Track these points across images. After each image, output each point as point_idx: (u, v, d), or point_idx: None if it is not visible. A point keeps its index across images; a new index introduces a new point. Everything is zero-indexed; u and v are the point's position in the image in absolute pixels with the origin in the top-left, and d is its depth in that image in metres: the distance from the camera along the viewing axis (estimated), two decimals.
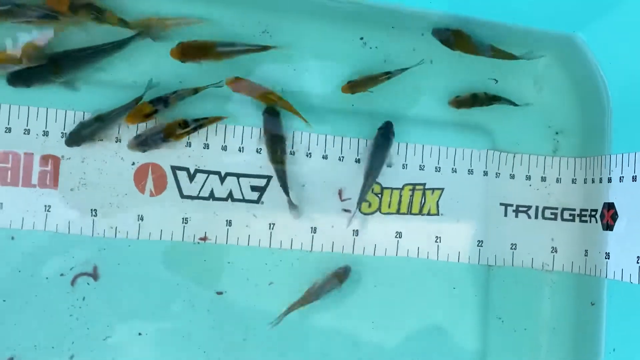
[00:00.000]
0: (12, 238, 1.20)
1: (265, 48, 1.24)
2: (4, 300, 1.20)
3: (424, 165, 1.30)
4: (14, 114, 1.20)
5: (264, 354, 1.27)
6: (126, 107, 1.20)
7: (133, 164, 1.23)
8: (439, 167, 1.31)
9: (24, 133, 1.20)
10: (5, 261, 1.20)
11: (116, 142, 1.22)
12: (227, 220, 1.25)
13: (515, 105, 1.32)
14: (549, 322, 1.35)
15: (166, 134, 1.21)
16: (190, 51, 1.20)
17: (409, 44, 1.33)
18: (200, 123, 1.23)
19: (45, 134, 1.21)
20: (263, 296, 1.27)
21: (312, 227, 1.28)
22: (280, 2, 1.27)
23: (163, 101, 1.20)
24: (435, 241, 1.30)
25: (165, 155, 1.24)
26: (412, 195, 1.30)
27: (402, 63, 1.31)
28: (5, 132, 1.19)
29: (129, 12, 1.22)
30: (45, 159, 1.21)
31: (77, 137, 1.20)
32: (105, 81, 1.22)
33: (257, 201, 1.26)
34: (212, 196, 1.25)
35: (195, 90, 1.22)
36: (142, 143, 1.21)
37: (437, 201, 1.31)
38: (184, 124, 1.21)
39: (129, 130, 1.22)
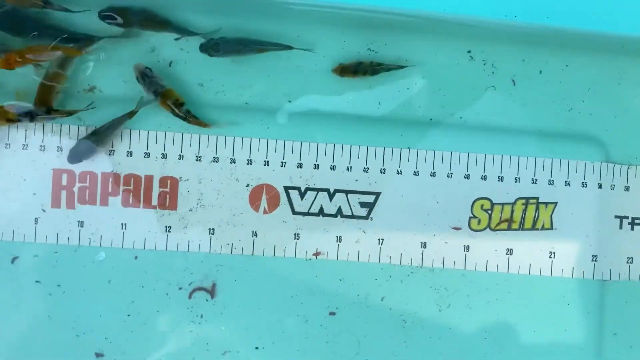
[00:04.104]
0: (136, 258, 1.26)
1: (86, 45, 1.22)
2: (129, 315, 1.26)
3: (536, 179, 1.28)
4: (135, 138, 1.25)
5: None
6: (118, 121, 1.23)
7: (247, 185, 1.26)
8: (552, 180, 1.28)
9: (144, 156, 1.25)
10: (129, 279, 1.26)
11: (231, 163, 1.26)
12: (337, 237, 1.27)
13: (402, 67, 1.27)
14: None
15: (162, 96, 1.22)
16: None
17: (517, 55, 1.30)
18: (186, 117, 1.23)
19: (164, 156, 1.26)
20: (375, 311, 1.28)
21: (422, 242, 1.28)
22: (385, 18, 1.27)
23: (30, 116, 1.20)
24: (549, 257, 1.28)
25: (279, 177, 1.26)
26: (524, 210, 1.28)
27: (511, 75, 1.29)
28: (127, 155, 1.25)
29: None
30: (164, 180, 1.26)
31: (77, 153, 1.24)
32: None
33: (367, 217, 1.28)
34: (321, 212, 1.27)
35: (69, 113, 1.23)
36: (144, 77, 1.22)
37: (551, 215, 1.28)
38: (180, 104, 1.23)
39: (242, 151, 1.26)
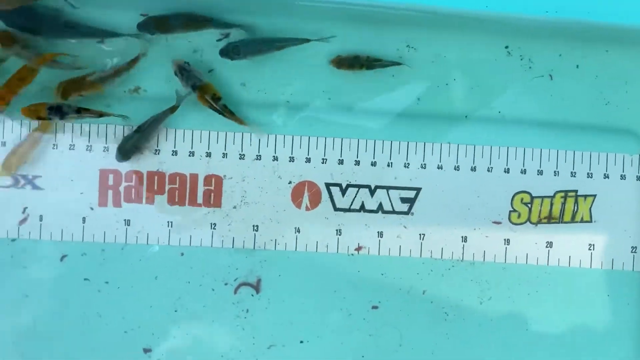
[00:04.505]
0: (182, 254, 1.29)
1: (133, 62, 1.26)
2: (176, 311, 1.29)
3: (575, 172, 1.29)
4: (179, 138, 1.27)
5: (420, 358, 1.30)
6: (161, 116, 1.25)
7: (290, 182, 1.28)
8: (591, 174, 1.30)
9: (189, 155, 1.28)
10: (176, 275, 1.29)
11: (273, 160, 1.28)
12: (378, 232, 1.29)
13: (399, 64, 1.28)
14: None
15: (200, 90, 1.24)
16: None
17: (554, 50, 1.31)
18: (223, 111, 1.25)
19: (208, 155, 1.28)
20: (416, 304, 1.30)
21: (462, 237, 1.30)
22: (423, 16, 1.29)
23: (60, 112, 1.22)
24: (589, 249, 1.29)
25: (320, 174, 1.28)
26: (563, 203, 1.29)
27: (548, 70, 1.30)
28: (172, 155, 1.27)
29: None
30: (208, 179, 1.28)
31: (123, 150, 1.26)
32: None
33: (408, 212, 1.29)
34: (362, 208, 1.29)
35: (100, 114, 1.24)
36: (182, 71, 1.24)
37: (590, 208, 1.29)
38: (217, 99, 1.25)
39: (285, 148, 1.28)
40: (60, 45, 1.26)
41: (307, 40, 1.26)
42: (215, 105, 1.25)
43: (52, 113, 1.22)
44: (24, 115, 1.22)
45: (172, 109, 1.26)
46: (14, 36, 1.24)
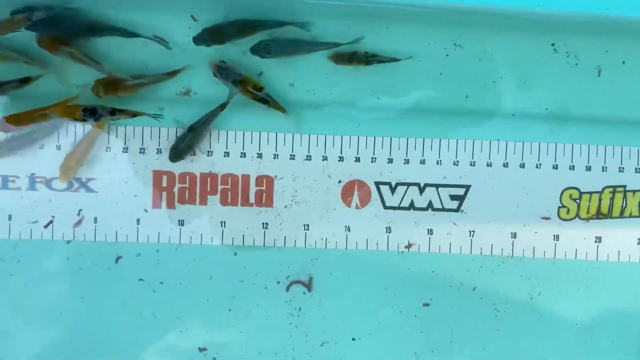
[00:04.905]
0: (235, 254, 1.30)
1: (173, 74, 1.27)
2: (230, 310, 1.31)
3: (623, 168, 1.30)
4: (231, 139, 1.29)
5: (471, 354, 1.32)
6: (212, 114, 1.26)
7: (339, 181, 1.30)
8: (639, 169, 1.30)
9: (241, 156, 1.29)
10: (229, 274, 1.31)
11: (323, 160, 1.30)
12: (428, 229, 1.31)
13: (397, 60, 1.28)
14: None
15: (241, 83, 1.25)
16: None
17: (600, 46, 1.32)
18: (266, 99, 1.26)
19: (259, 156, 1.29)
20: (467, 300, 1.31)
21: (512, 233, 1.31)
22: (470, 15, 1.30)
23: (95, 114, 1.23)
24: (638, 243, 1.30)
25: (370, 173, 1.30)
26: (612, 198, 1.30)
27: (594, 66, 1.31)
28: (224, 156, 1.29)
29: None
30: (260, 179, 1.30)
31: (177, 151, 1.27)
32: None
33: (457, 210, 1.31)
34: (412, 206, 1.31)
35: (134, 114, 1.26)
36: (220, 70, 1.26)
37: (639, 203, 1.30)
38: (259, 89, 1.26)
39: (333, 148, 1.29)
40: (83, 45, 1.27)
41: (339, 44, 1.27)
42: (258, 94, 1.26)
43: (86, 115, 1.24)
44: (60, 116, 1.23)
45: (222, 106, 1.27)
46: (62, 40, 1.25)
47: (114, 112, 1.24)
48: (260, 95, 1.26)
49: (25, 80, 1.26)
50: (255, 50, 1.27)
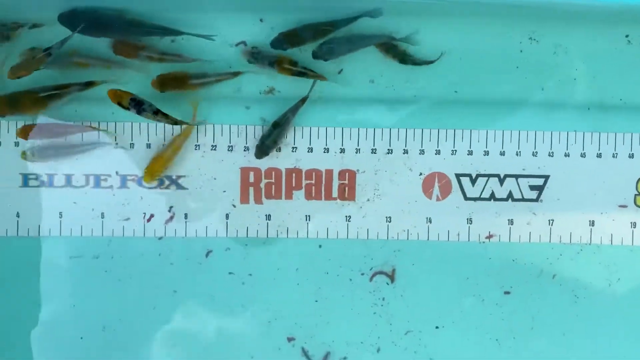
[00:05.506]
0: (320, 247, 1.34)
1: (236, 74, 1.30)
2: (316, 301, 1.35)
3: None
4: (314, 135, 1.33)
5: (551, 340, 1.35)
6: (294, 109, 1.30)
7: (420, 174, 1.34)
8: None
9: (324, 152, 1.33)
10: (315, 267, 1.35)
11: (404, 153, 1.33)
12: (508, 219, 1.34)
13: (432, 62, 1.31)
14: None
15: (277, 63, 1.29)
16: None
17: None
18: (306, 72, 1.30)
19: (342, 151, 1.33)
20: (547, 288, 1.35)
21: (590, 221, 1.34)
22: (545, 9, 1.32)
23: (140, 107, 1.26)
24: None
25: (450, 165, 1.33)
26: None
27: None
28: (308, 152, 1.33)
29: None
30: (342, 173, 1.34)
31: (263, 147, 1.31)
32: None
33: (537, 199, 1.34)
34: (492, 197, 1.34)
35: (175, 122, 1.28)
36: (254, 56, 1.29)
37: None
38: (295, 63, 1.30)
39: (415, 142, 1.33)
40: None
41: (393, 39, 1.31)
42: (295, 69, 1.30)
43: (131, 105, 1.26)
44: (109, 96, 1.26)
45: (303, 100, 1.31)
46: (138, 45, 1.29)
47: (157, 112, 1.27)
48: (299, 69, 1.30)
49: (89, 84, 1.29)
50: (318, 54, 1.30)
